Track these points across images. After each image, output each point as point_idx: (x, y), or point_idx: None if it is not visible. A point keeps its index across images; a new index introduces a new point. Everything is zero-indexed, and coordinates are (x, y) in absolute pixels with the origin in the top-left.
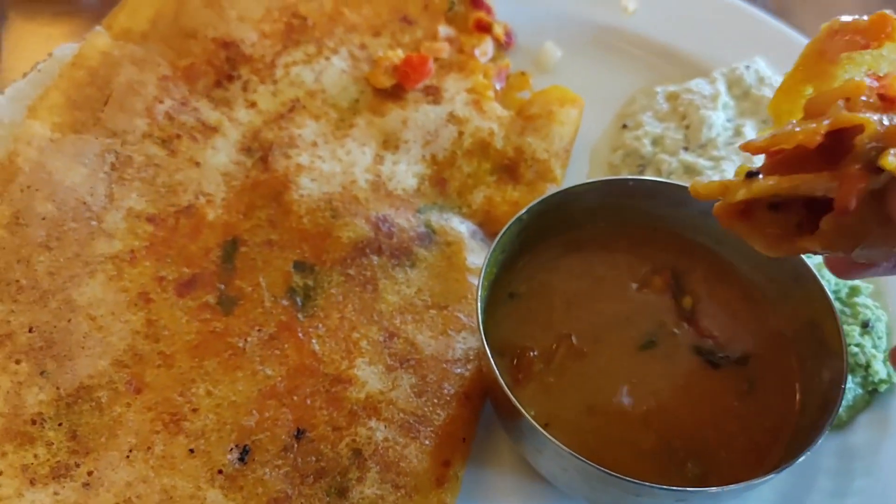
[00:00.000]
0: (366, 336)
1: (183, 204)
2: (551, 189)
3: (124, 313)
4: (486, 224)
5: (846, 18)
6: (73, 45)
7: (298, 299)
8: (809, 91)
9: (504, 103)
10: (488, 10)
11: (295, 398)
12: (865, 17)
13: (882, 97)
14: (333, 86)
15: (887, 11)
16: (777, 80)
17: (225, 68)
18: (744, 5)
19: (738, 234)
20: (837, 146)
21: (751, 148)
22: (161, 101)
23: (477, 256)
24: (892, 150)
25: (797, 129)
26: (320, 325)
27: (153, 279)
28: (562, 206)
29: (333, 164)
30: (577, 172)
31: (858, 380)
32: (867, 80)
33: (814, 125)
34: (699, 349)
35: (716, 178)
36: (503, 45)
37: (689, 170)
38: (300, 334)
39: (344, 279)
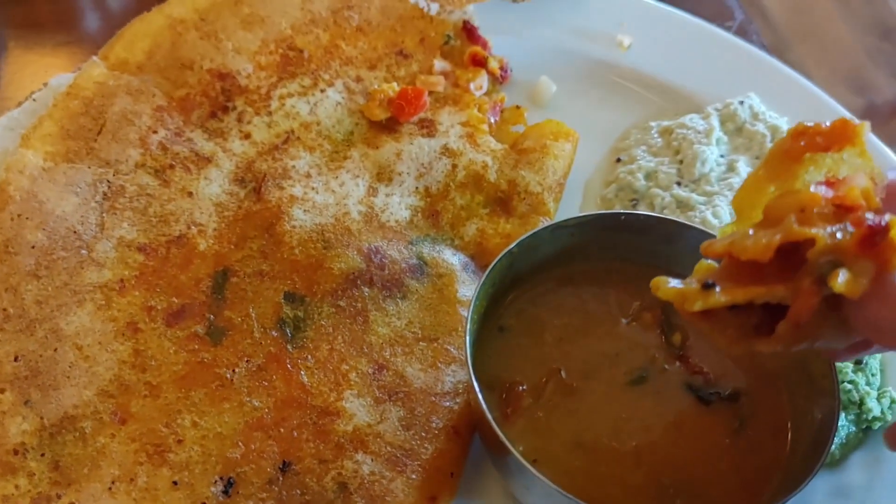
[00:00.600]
0: (355, 368)
1: (174, 234)
2: (544, 222)
3: (111, 343)
4: (479, 256)
5: (810, 123)
6: (69, 75)
7: (288, 330)
8: (772, 189)
9: (498, 137)
10: (484, 45)
11: (282, 430)
12: (828, 124)
13: (838, 206)
14: (328, 118)
15: (848, 118)
16: (771, 115)
17: (220, 99)
18: (738, 42)
19: (699, 331)
20: (794, 254)
21: (710, 252)
22: (155, 132)
23: (468, 289)
24: (841, 271)
25: (750, 242)
26: (309, 357)
27: (142, 309)
28: (553, 239)
29: (327, 196)
30: (570, 206)
31: (852, 417)
32: (822, 191)
33: (765, 240)
34: (689, 385)
35: (708, 212)
36: (498, 80)
37: (683, 204)
38: (289, 366)
39: (334, 311)
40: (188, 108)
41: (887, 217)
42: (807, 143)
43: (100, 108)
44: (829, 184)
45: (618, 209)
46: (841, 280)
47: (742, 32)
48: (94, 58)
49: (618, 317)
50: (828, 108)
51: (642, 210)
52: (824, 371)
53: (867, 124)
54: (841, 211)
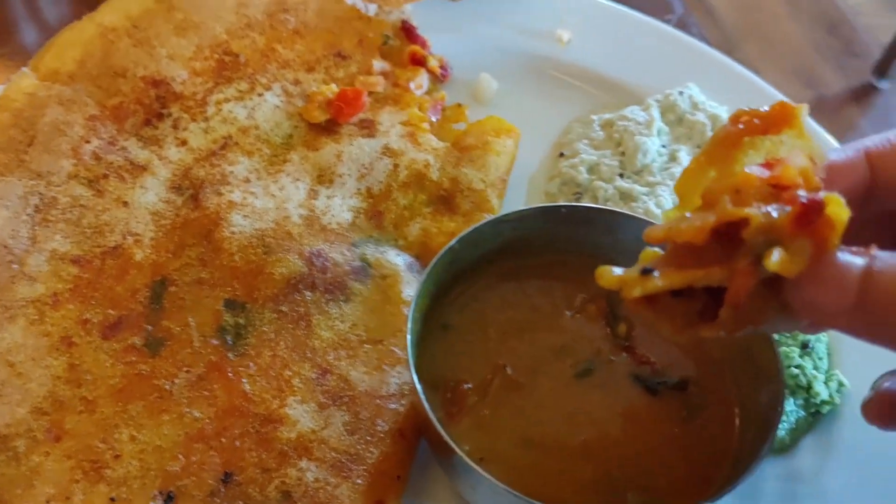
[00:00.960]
0: (298, 374)
1: (110, 245)
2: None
3: (45, 358)
4: (423, 256)
5: (750, 107)
6: None
7: (229, 338)
8: (713, 174)
9: (440, 135)
10: (423, 44)
11: (223, 440)
12: (766, 108)
13: (775, 186)
14: (266, 122)
15: (786, 100)
16: (711, 104)
17: (155, 107)
18: (677, 33)
19: (644, 319)
20: (734, 236)
21: (651, 238)
22: (88, 142)
23: (413, 289)
24: (775, 249)
25: (685, 224)
26: (251, 364)
27: (77, 322)
28: (495, 234)
29: (266, 200)
30: (514, 202)
31: (801, 402)
32: (758, 171)
33: (699, 222)
34: (636, 376)
35: (651, 202)
36: (439, 78)
37: (625, 196)
38: (230, 374)
39: (276, 316)
40: (122, 116)
41: (822, 194)
42: (745, 126)
43: (30, 119)
44: (767, 165)
45: (560, 202)
46: (775, 259)
47: (682, 25)
48: (24, 69)
49: (562, 309)
50: (766, 95)
51: (587, 203)
52: (769, 356)
53: (805, 106)
54: (778, 190)
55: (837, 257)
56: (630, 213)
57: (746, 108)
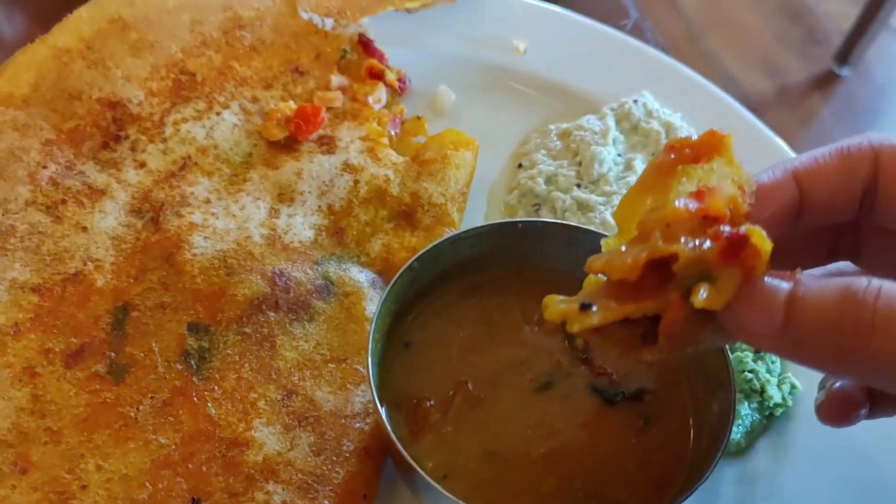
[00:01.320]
0: (263, 396)
1: (70, 271)
2: (449, 233)
3: (8, 390)
4: (386, 272)
5: (683, 135)
6: None
7: (193, 362)
8: (650, 201)
9: (400, 149)
10: (381, 57)
11: (190, 466)
12: (695, 137)
13: (705, 217)
14: (225, 141)
15: (715, 129)
16: (665, 112)
17: (112, 129)
18: (631, 41)
19: (592, 344)
20: (667, 266)
21: (591, 270)
22: (45, 167)
23: (376, 306)
24: (702, 288)
25: (618, 261)
26: (216, 388)
27: (39, 352)
28: (453, 251)
29: (227, 221)
30: (474, 214)
31: (755, 405)
32: (686, 204)
33: (630, 260)
34: (594, 388)
35: (607, 212)
36: (397, 91)
37: (583, 206)
38: (195, 398)
39: (240, 338)
40: (78, 140)
41: (744, 228)
42: (677, 156)
43: None
44: (698, 193)
45: (521, 215)
46: (701, 297)
47: (637, 31)
48: None
49: (522, 324)
50: (717, 100)
51: (545, 214)
52: (720, 364)
53: (732, 135)
54: (707, 222)
55: (765, 282)
56: (584, 226)
57: (681, 135)
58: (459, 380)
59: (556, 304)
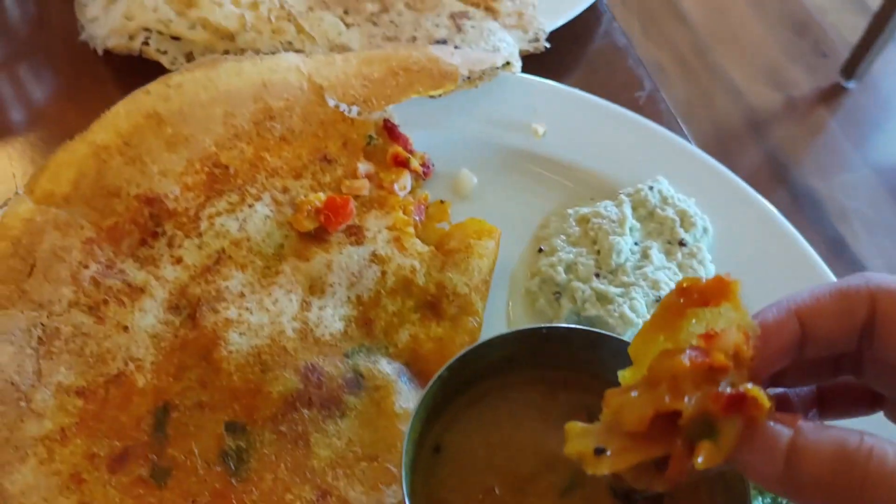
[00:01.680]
0: (299, 497)
1: (112, 372)
2: (473, 323)
3: (57, 498)
4: (413, 363)
5: (693, 278)
6: None
7: (231, 463)
8: (662, 339)
9: (424, 235)
10: (405, 142)
11: None
12: (704, 280)
13: (710, 368)
14: (258, 233)
15: (724, 276)
16: (679, 198)
17: (149, 225)
18: (648, 124)
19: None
20: (673, 416)
21: (607, 405)
22: (86, 266)
23: (405, 399)
24: (703, 449)
25: (627, 414)
26: (254, 490)
27: (85, 457)
28: (481, 357)
29: (261, 315)
30: (497, 300)
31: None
32: (692, 357)
33: (638, 414)
34: (616, 490)
35: (625, 305)
36: (421, 176)
37: (602, 298)
38: (234, 502)
39: (276, 437)
40: (118, 237)
41: (744, 388)
42: (686, 301)
43: (28, 247)
44: (706, 337)
45: (542, 302)
46: (701, 460)
47: (651, 101)
48: (20, 191)
49: (546, 426)
50: (731, 185)
51: (565, 302)
52: (738, 475)
53: (739, 282)
54: (713, 372)
55: (768, 427)
56: (606, 333)
57: (690, 276)
58: (487, 485)
59: (576, 437)
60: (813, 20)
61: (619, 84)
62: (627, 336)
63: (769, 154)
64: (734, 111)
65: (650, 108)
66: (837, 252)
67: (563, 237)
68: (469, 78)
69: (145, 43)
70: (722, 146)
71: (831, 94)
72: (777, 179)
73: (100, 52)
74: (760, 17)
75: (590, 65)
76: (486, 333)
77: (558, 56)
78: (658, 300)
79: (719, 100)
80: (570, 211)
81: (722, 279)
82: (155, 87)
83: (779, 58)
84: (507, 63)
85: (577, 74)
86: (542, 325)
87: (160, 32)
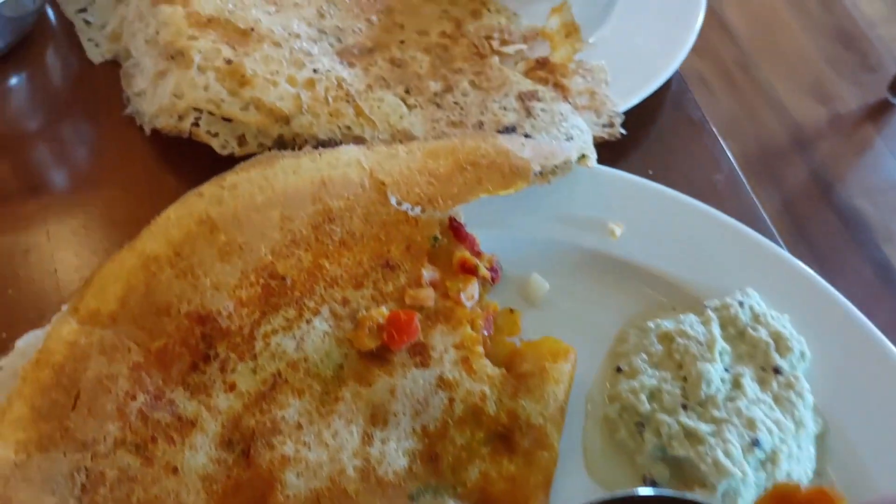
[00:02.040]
0: None
1: None
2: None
3: None
4: None
5: (792, 484)
6: (38, 332)
7: None
8: None
9: (494, 353)
10: (472, 243)
11: None
12: (804, 487)
13: None
14: (316, 352)
15: (827, 488)
16: (772, 315)
17: (201, 347)
18: (734, 224)
19: None
20: None
21: None
22: (134, 398)
23: None
24: None
25: None
26: None
27: None
28: None
29: (320, 452)
30: (570, 425)
31: None
32: None
33: None
34: None
35: (718, 449)
36: (489, 282)
37: (691, 435)
38: None
39: None
40: (167, 362)
41: None
42: None
43: (72, 375)
44: None
45: (623, 432)
46: None
47: (731, 185)
48: (64, 307)
49: None
50: (826, 296)
51: (649, 436)
52: None
53: (845, 500)
54: None
55: None
56: (696, 498)
57: (788, 482)
58: None
59: None
60: (861, 32)
61: (694, 164)
62: (721, 487)
63: (814, 171)
64: (778, 126)
65: (729, 193)
66: (883, 276)
67: (644, 356)
68: (541, 173)
69: (195, 124)
70: (765, 163)
71: (878, 111)
72: (821, 198)
73: (147, 131)
74: (806, 29)
75: (661, 142)
76: (560, 467)
77: (626, 130)
78: (754, 443)
79: (764, 114)
80: (650, 324)
81: (825, 493)
82: (208, 188)
83: (825, 71)
84: (583, 156)
85: (647, 154)
86: (635, 491)
87: (211, 113)
